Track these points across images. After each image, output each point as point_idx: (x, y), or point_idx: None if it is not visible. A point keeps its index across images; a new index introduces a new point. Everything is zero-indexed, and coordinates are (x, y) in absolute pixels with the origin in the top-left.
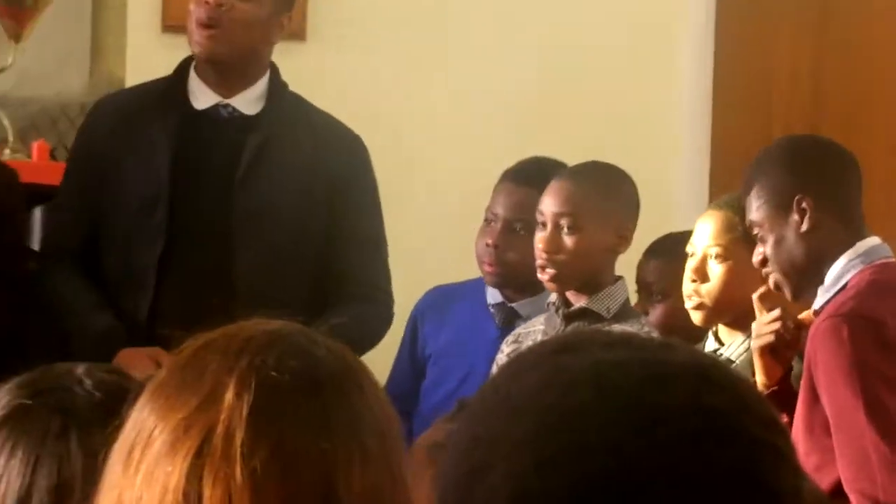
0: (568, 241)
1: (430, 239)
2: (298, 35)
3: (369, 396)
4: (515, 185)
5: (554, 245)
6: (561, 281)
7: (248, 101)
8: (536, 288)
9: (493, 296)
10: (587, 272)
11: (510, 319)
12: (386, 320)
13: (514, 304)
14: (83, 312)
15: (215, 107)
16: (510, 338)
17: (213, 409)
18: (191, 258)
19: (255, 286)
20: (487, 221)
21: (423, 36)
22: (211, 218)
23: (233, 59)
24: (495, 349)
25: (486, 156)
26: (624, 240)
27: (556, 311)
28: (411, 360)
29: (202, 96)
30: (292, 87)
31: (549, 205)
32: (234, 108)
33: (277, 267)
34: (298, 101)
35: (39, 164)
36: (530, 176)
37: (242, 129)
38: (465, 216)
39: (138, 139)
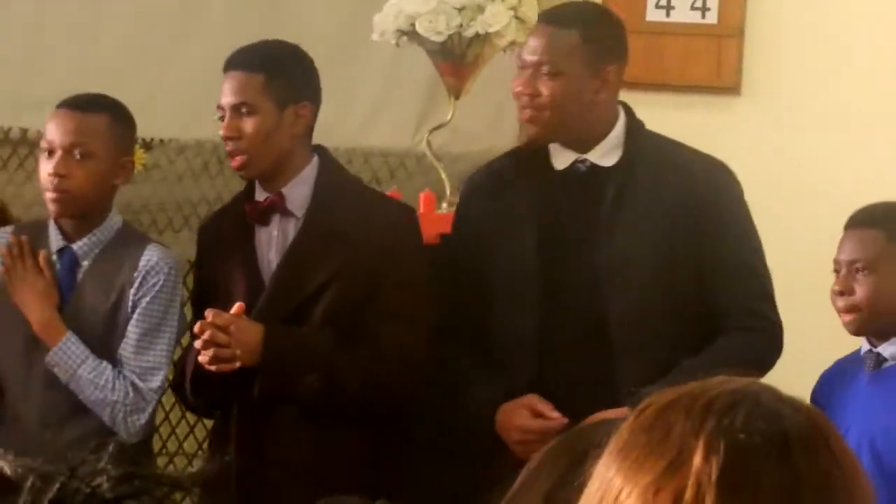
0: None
1: None
2: (734, 90)
3: (838, 456)
4: (853, 229)
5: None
6: None
7: (605, 153)
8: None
9: (864, 345)
10: None
11: (878, 364)
12: (770, 347)
13: (878, 349)
14: (469, 389)
15: (573, 164)
16: None
17: (681, 473)
18: (566, 316)
19: (629, 333)
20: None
21: (859, 91)
22: (580, 274)
23: (566, 132)
24: (867, 395)
25: None
26: None
27: None
28: None
29: (560, 156)
30: (726, 141)
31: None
32: (591, 163)
33: (649, 311)
34: (658, 140)
35: None
36: (866, 218)
37: (601, 182)
38: None
39: (505, 210)
